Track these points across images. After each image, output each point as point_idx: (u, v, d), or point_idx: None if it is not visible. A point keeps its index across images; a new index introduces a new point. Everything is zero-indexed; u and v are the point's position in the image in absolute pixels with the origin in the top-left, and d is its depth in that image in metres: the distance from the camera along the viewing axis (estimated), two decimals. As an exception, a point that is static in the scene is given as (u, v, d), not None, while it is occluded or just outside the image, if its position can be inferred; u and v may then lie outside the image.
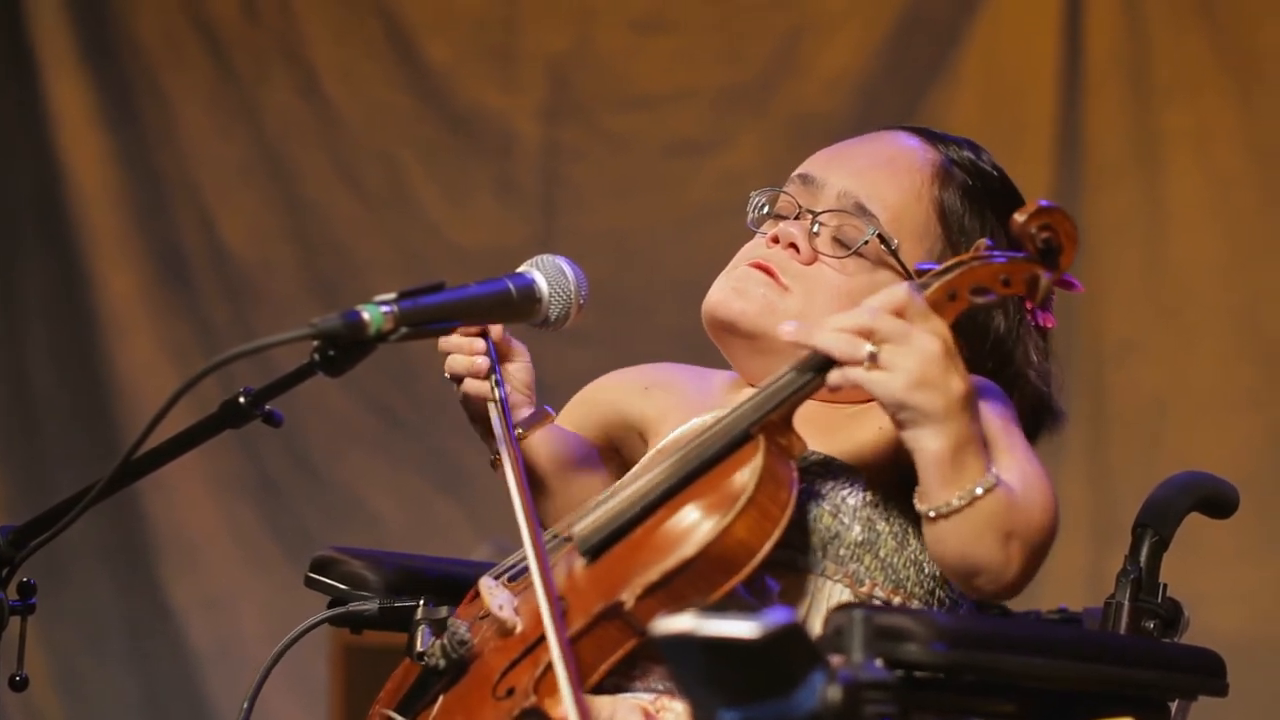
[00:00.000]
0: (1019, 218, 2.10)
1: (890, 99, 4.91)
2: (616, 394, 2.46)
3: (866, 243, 2.29)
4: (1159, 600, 2.32)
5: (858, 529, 2.16)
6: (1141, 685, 2.12)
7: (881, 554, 2.16)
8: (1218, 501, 2.44)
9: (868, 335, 1.99)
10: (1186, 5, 4.72)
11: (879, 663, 1.80)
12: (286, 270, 5.21)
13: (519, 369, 2.37)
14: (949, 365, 2.00)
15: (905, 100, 4.91)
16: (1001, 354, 2.31)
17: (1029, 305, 2.18)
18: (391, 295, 2.05)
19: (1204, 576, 4.28)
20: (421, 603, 2.30)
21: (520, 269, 2.29)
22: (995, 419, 2.12)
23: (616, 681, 2.09)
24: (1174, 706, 2.19)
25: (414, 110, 5.21)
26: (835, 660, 1.77)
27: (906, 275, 2.27)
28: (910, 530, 2.16)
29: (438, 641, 2.16)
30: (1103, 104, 4.78)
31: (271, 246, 5.23)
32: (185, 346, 5.16)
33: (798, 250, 2.31)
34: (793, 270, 2.30)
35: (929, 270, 2.11)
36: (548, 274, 2.28)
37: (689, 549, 2.02)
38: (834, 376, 2.02)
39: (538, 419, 2.37)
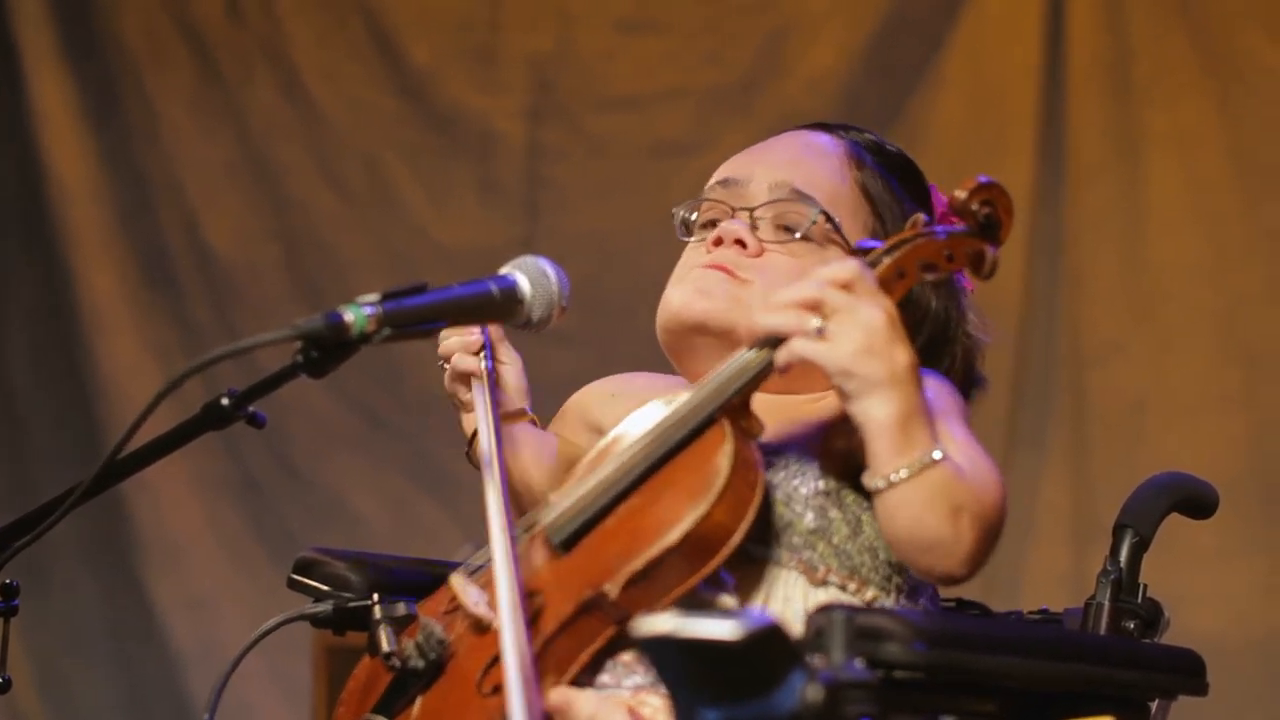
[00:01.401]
0: (960, 194, 2.15)
1: (874, 100, 4.92)
2: (586, 402, 2.50)
3: (814, 224, 2.34)
4: (1139, 600, 2.33)
5: (810, 516, 2.17)
6: (1121, 685, 2.12)
7: (835, 540, 2.17)
8: (1198, 502, 2.45)
9: (815, 307, 2.04)
10: (1167, 7, 4.74)
11: (859, 663, 1.80)
12: (270, 271, 5.21)
13: (512, 373, 2.40)
14: (893, 336, 2.04)
15: (889, 101, 4.92)
16: (937, 326, 2.37)
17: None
18: (374, 296, 2.05)
19: (1184, 577, 4.29)
20: (376, 601, 2.27)
21: (503, 270, 2.30)
22: (939, 408, 2.14)
23: (587, 678, 2.10)
24: (1154, 706, 2.20)
25: (397, 111, 5.21)
26: (816, 660, 1.78)
27: (850, 251, 2.32)
28: (863, 518, 2.18)
29: (410, 641, 2.16)
30: (1084, 105, 4.79)
31: (255, 247, 5.22)
32: (169, 347, 5.16)
33: (744, 245, 2.34)
34: (745, 264, 2.34)
35: (874, 249, 2.15)
36: (530, 275, 2.29)
37: (672, 536, 2.04)
38: (780, 355, 2.06)
39: (524, 412, 2.41)
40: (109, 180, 5.22)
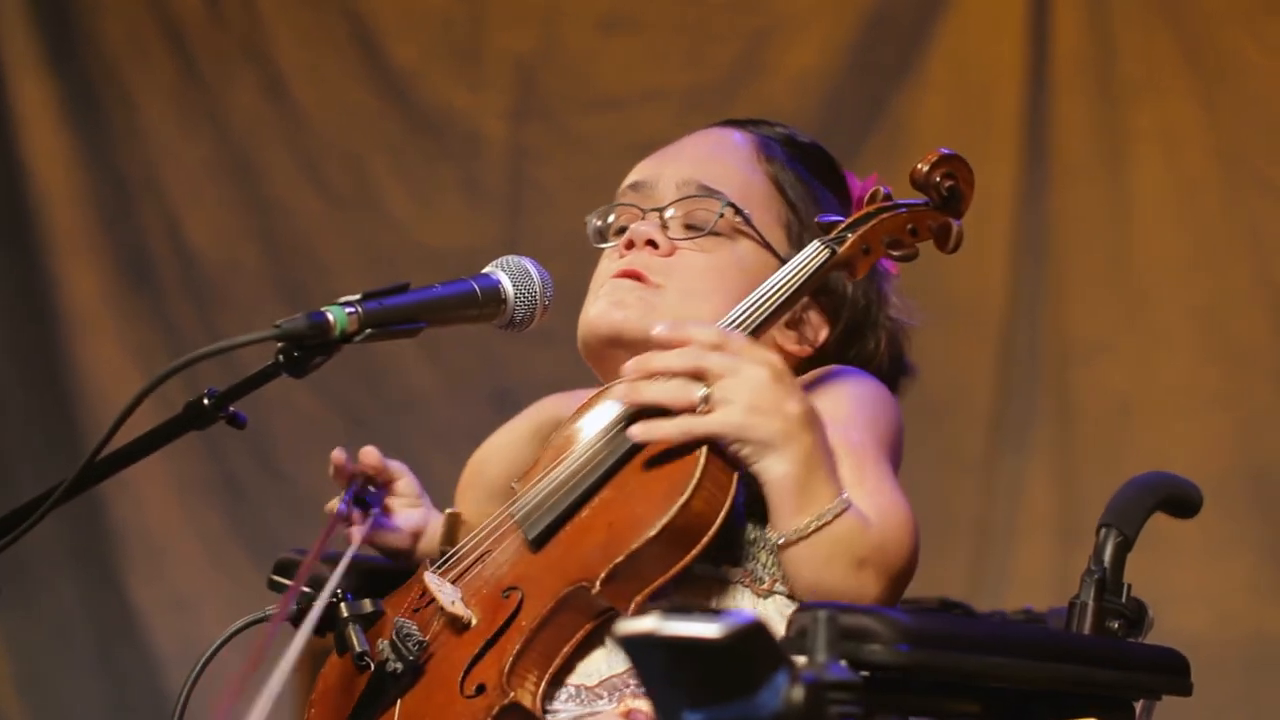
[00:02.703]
0: (922, 167, 2.14)
1: (856, 99, 4.92)
2: (509, 449, 2.49)
3: (722, 216, 2.33)
4: (1123, 600, 2.33)
5: (747, 527, 2.15)
6: (1106, 685, 2.12)
7: (773, 549, 2.16)
8: (1182, 501, 2.45)
9: (698, 377, 2.02)
10: (1151, 6, 4.74)
11: (843, 663, 1.79)
12: (252, 271, 5.19)
13: (405, 485, 2.41)
14: (781, 390, 2.03)
15: (871, 100, 4.92)
16: (856, 312, 2.35)
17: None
18: (356, 296, 2.05)
19: (1169, 576, 4.29)
20: (341, 598, 2.21)
21: (485, 270, 2.30)
22: (853, 443, 2.13)
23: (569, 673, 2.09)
24: (1138, 706, 2.20)
25: (380, 110, 5.20)
26: (799, 661, 1.77)
27: (763, 242, 2.32)
28: None
29: (384, 641, 2.15)
30: (1068, 104, 4.79)
31: (237, 247, 5.21)
32: (150, 347, 5.14)
33: (655, 246, 2.33)
34: (657, 266, 2.33)
35: (836, 223, 2.14)
36: (513, 275, 2.29)
37: (653, 528, 2.03)
38: (673, 434, 2.03)
39: (457, 523, 2.40)
40: (89, 181, 5.21)
